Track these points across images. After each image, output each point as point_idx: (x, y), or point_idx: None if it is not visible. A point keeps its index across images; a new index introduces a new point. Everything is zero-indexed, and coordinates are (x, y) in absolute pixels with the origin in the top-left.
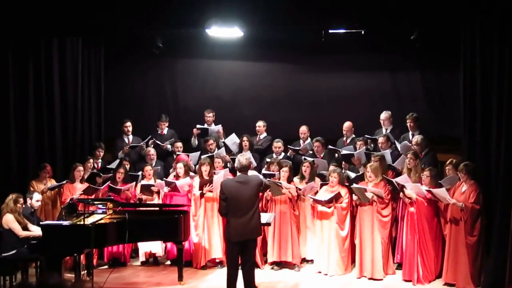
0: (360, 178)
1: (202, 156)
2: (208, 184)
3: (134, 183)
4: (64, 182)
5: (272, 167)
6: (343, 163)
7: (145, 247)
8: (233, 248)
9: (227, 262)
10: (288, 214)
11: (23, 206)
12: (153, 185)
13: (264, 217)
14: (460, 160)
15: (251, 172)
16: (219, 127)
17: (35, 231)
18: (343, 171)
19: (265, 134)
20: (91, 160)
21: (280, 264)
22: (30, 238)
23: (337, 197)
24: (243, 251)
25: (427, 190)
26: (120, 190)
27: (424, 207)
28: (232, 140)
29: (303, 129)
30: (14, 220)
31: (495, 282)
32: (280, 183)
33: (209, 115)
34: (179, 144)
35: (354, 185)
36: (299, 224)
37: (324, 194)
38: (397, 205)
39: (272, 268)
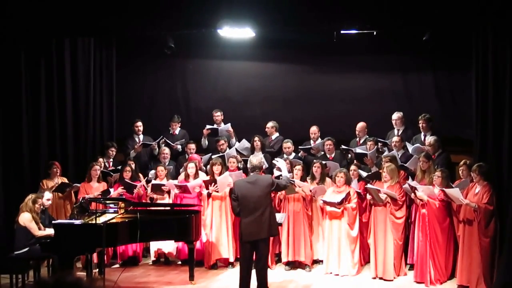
0: (371, 177)
1: (213, 156)
2: (212, 183)
3: (145, 179)
4: (73, 185)
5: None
6: (355, 161)
7: (156, 246)
8: (245, 248)
9: (239, 262)
10: (301, 214)
11: (41, 207)
12: (163, 185)
13: (276, 217)
14: (474, 161)
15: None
16: (228, 126)
17: (50, 231)
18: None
19: (276, 135)
20: (101, 160)
21: (294, 264)
22: (42, 236)
23: (345, 197)
24: (255, 250)
25: (440, 190)
26: (134, 186)
27: (436, 209)
28: (243, 145)
29: (314, 129)
30: (31, 219)
31: (507, 282)
32: (293, 181)
33: (217, 115)
34: (192, 146)
35: (369, 186)
36: (312, 223)
37: (332, 195)
38: (410, 206)
39: (286, 268)
